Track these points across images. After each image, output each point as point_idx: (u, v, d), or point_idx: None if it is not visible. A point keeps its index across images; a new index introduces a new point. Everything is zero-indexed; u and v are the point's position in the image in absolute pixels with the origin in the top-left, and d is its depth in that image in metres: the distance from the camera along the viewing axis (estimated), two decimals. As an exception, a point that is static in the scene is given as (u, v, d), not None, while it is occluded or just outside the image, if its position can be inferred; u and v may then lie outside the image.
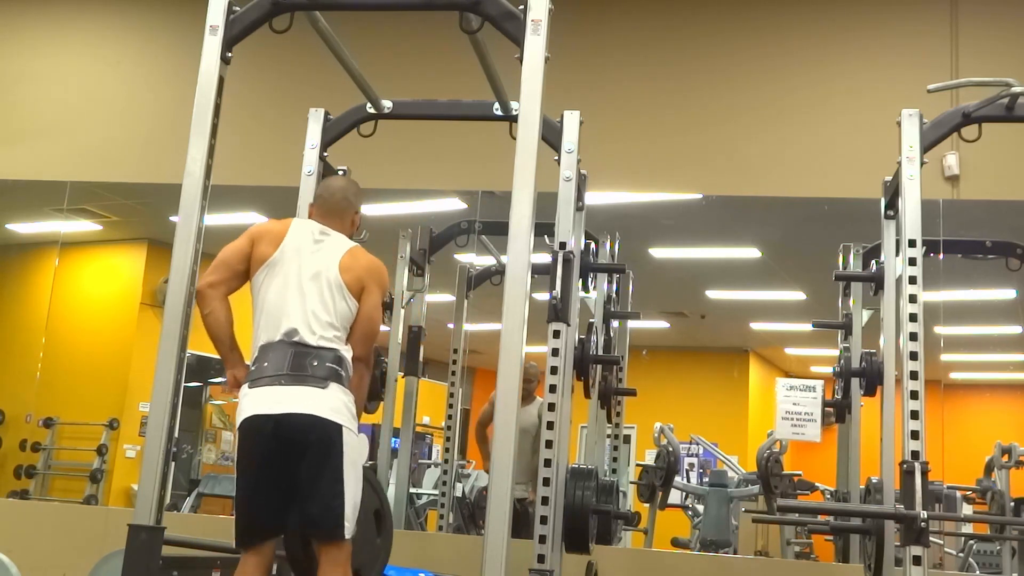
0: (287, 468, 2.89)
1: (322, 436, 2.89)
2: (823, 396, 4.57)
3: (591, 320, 4.75)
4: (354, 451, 2.94)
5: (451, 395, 5.52)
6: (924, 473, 3.12)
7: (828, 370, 5.04)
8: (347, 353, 3.04)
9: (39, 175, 6.22)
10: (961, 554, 5.35)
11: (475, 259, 5.75)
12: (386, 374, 4.97)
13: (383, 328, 5.03)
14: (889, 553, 3.59)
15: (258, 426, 2.91)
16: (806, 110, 5.38)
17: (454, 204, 5.90)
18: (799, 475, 5.61)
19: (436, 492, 5.86)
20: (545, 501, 3.49)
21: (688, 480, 6.58)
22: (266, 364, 2.96)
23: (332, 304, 3.03)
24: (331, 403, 2.92)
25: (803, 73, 5.46)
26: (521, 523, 4.36)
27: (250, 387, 2.97)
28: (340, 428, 2.91)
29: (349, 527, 2.90)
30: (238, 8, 3.20)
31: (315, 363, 2.94)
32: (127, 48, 6.39)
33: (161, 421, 2.95)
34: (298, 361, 2.94)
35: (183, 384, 3.05)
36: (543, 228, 3.27)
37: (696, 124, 5.47)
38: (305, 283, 3.03)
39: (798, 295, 6.77)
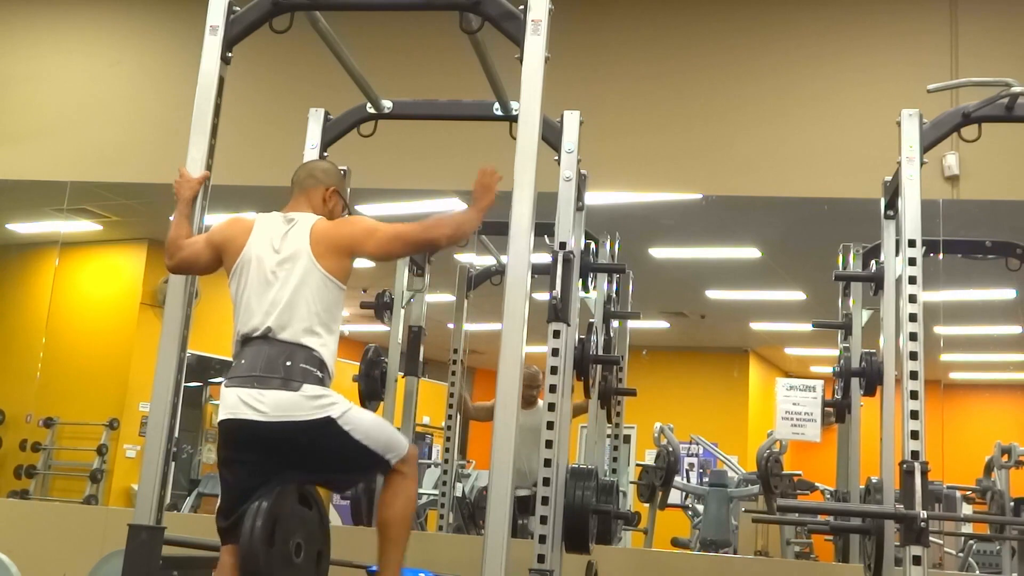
0: (272, 467, 2.78)
1: (314, 437, 2.78)
2: (823, 396, 4.58)
3: (591, 320, 4.74)
4: (357, 425, 2.83)
5: (451, 395, 5.51)
6: (924, 473, 3.11)
7: (828, 370, 5.03)
8: (324, 348, 2.85)
9: (39, 175, 6.20)
10: (961, 554, 5.35)
11: (475, 259, 5.74)
12: (386, 374, 4.97)
13: (384, 328, 5.08)
14: (889, 553, 3.58)
15: (232, 430, 2.81)
16: (806, 110, 5.38)
17: (454, 204, 5.90)
18: (799, 475, 5.61)
19: (436, 492, 5.86)
20: (545, 501, 3.49)
21: (688, 480, 6.58)
22: (243, 362, 2.84)
23: (311, 292, 2.86)
24: (306, 404, 2.77)
25: (803, 73, 5.45)
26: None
27: (225, 386, 2.85)
28: (329, 421, 2.79)
29: (393, 456, 2.90)
30: (238, 8, 3.21)
31: (288, 363, 2.79)
32: (127, 48, 6.38)
33: (161, 421, 2.95)
34: (271, 362, 2.80)
35: (183, 384, 3.05)
36: (543, 228, 3.27)
37: (696, 124, 5.47)
38: (276, 276, 2.88)
39: (798, 295, 6.77)
